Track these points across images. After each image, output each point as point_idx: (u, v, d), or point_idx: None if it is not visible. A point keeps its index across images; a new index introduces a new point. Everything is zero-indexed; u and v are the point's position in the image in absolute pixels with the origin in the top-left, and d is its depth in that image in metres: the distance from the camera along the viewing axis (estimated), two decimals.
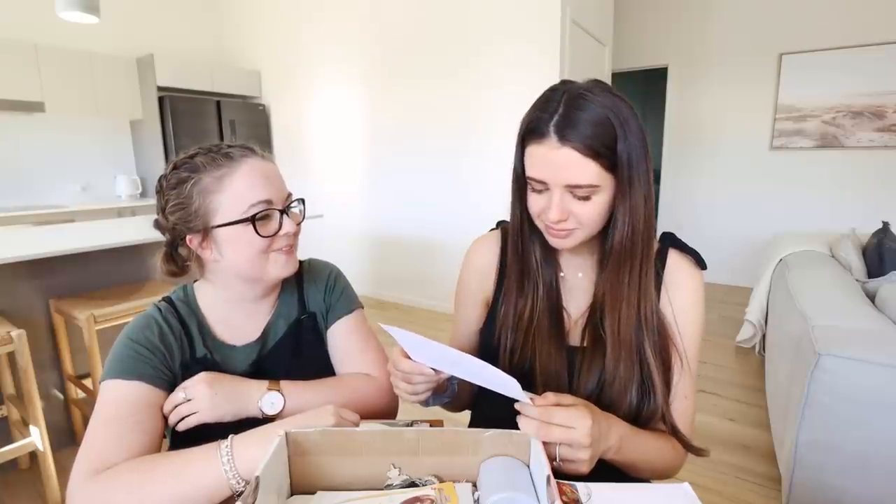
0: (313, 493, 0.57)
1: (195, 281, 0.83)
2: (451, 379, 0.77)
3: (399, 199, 3.92)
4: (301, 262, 0.88)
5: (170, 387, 0.73)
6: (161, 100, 4.04)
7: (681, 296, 0.74)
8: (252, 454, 0.59)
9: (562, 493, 0.53)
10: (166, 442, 0.76)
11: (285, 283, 0.86)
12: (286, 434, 0.56)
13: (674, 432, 0.72)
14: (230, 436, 0.62)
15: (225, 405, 0.72)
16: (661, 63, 4.50)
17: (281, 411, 0.74)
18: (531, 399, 0.59)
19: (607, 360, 0.71)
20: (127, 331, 0.74)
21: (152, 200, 1.09)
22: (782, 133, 4.04)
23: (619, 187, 0.65)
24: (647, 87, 5.60)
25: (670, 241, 0.78)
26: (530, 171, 0.67)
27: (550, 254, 0.78)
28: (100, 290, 2.01)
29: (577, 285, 0.79)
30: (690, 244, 0.78)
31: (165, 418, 0.71)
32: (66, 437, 2.02)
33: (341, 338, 0.88)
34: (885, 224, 2.46)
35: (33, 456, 1.80)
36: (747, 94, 4.15)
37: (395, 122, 3.81)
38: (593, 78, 0.68)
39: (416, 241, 3.87)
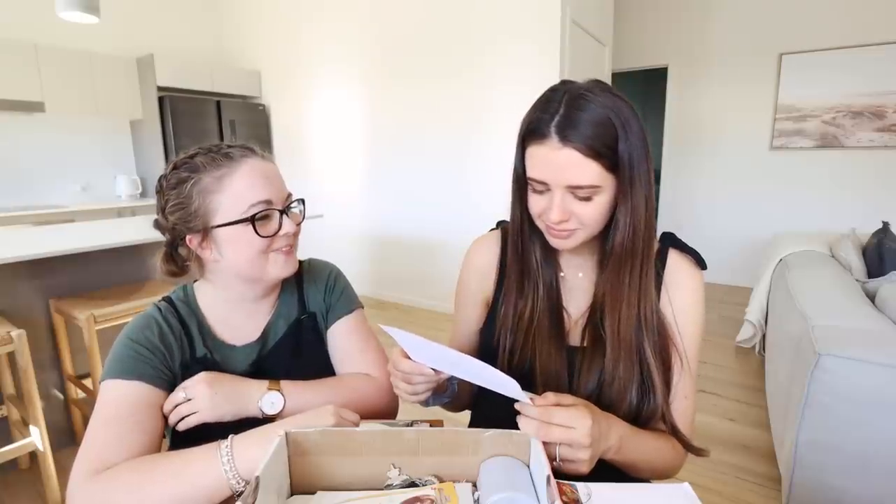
0: (313, 493, 0.57)
1: (195, 281, 0.83)
2: (451, 379, 0.77)
3: (399, 199, 3.92)
4: (301, 262, 0.88)
5: (170, 387, 0.73)
6: (161, 100, 4.04)
7: (681, 296, 0.74)
8: (252, 454, 0.59)
9: (562, 493, 0.53)
10: (166, 442, 0.76)
11: (285, 283, 0.86)
12: (286, 434, 0.56)
13: (674, 432, 0.72)
14: (230, 436, 0.62)
15: (225, 405, 0.71)
16: (661, 63, 4.50)
17: (281, 411, 0.74)
18: (531, 399, 0.59)
19: (607, 360, 0.71)
20: (127, 330, 0.74)
21: (152, 200, 1.09)
22: (782, 133, 4.04)
23: (620, 187, 0.65)
24: (647, 87, 5.60)
25: (670, 240, 0.78)
26: (531, 172, 0.67)
27: (550, 254, 0.78)
28: (100, 290, 2.01)
29: (577, 285, 0.79)
30: (690, 244, 0.78)
31: (165, 418, 0.71)
32: (66, 437, 2.02)
33: (341, 338, 0.88)
34: (885, 224, 2.46)
35: (33, 456, 1.80)
36: (747, 94, 4.15)
37: (395, 122, 3.81)
38: (593, 78, 0.68)
39: (416, 241, 3.87)
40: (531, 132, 0.65)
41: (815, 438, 1.36)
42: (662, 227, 3.97)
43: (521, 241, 0.77)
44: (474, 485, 0.58)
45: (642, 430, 0.70)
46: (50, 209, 3.49)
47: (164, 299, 0.80)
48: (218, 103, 4.29)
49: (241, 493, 0.57)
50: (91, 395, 1.90)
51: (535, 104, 0.67)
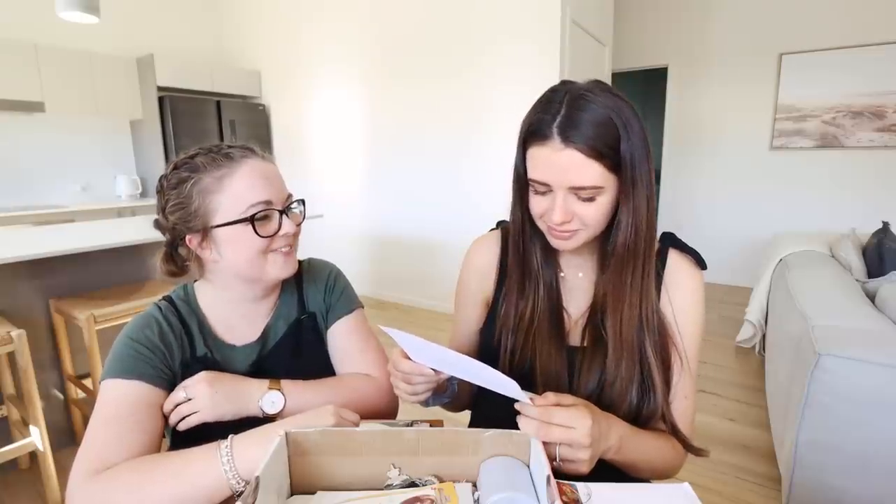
0: (313, 493, 0.57)
1: (195, 281, 0.83)
2: (451, 379, 0.77)
3: (399, 199, 3.92)
4: (301, 262, 0.88)
5: (170, 386, 0.73)
6: (161, 100, 4.04)
7: (681, 296, 0.74)
8: (252, 454, 0.59)
9: (562, 493, 0.53)
10: (166, 442, 0.76)
11: (285, 283, 0.86)
12: (286, 434, 0.56)
13: (674, 432, 0.72)
14: (230, 436, 0.62)
15: (225, 404, 0.71)
16: (661, 63, 4.50)
17: (281, 411, 0.74)
18: (531, 399, 0.59)
19: (608, 360, 0.71)
20: (127, 330, 0.74)
21: (152, 200, 1.09)
22: (782, 133, 4.04)
23: (622, 188, 0.65)
24: (647, 87, 5.60)
25: (670, 241, 0.78)
26: (533, 173, 0.67)
27: (551, 254, 0.78)
28: (100, 290, 2.01)
29: (578, 285, 0.79)
30: (690, 244, 0.78)
31: (166, 418, 0.71)
32: (66, 437, 2.02)
33: (341, 338, 0.88)
34: (885, 224, 2.47)
35: (33, 456, 1.80)
36: (747, 94, 4.15)
37: (395, 122, 3.81)
38: (593, 78, 0.68)
39: (416, 241, 3.87)
40: (532, 133, 0.65)
41: (815, 438, 1.36)
42: (662, 227, 3.97)
43: (523, 241, 0.77)
44: (474, 485, 0.58)
45: (642, 430, 0.70)
46: (50, 209, 3.49)
47: (164, 298, 0.80)
48: (218, 103, 4.29)
49: (241, 493, 0.57)
50: (91, 395, 1.90)
51: (535, 105, 0.67)
